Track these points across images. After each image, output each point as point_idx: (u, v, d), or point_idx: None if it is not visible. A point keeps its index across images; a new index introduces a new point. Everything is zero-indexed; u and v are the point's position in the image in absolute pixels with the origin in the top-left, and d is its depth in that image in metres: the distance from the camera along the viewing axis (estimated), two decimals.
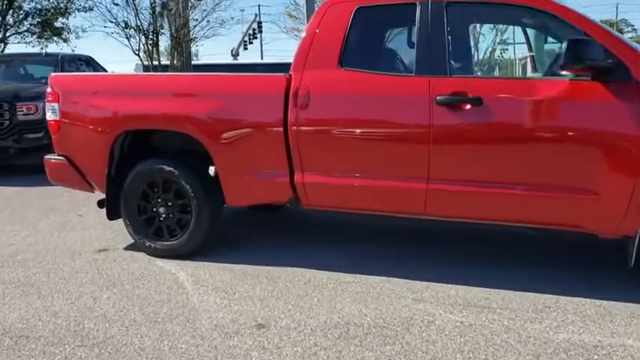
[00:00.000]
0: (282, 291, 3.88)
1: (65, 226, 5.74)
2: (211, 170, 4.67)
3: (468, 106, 3.68)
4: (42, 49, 21.43)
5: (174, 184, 4.53)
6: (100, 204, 4.89)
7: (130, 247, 4.89)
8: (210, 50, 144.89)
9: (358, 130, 3.95)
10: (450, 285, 3.90)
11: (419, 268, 4.25)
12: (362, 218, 4.67)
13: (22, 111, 8.29)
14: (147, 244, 4.66)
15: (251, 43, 43.02)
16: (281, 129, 4.10)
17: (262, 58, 43.65)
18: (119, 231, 5.10)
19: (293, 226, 5.49)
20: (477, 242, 4.85)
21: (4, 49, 21.63)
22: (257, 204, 4.41)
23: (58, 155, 4.90)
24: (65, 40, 23.83)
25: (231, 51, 39.54)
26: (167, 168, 4.50)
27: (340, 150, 3.98)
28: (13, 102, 8.30)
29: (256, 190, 4.31)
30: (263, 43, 48.02)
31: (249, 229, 5.33)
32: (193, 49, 21.70)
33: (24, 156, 8.34)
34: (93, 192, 5.01)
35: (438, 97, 3.73)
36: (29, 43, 22.91)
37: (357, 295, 3.77)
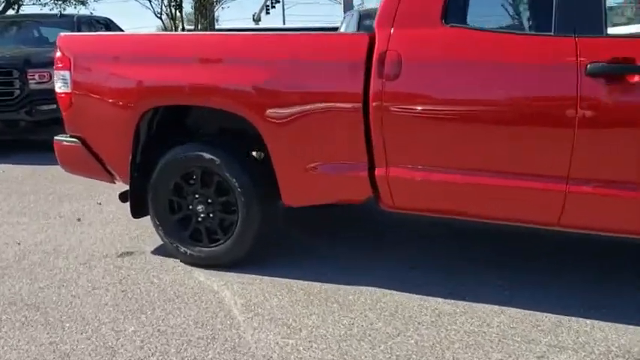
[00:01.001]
0: (363, 327, 2.91)
1: (82, 218, 4.82)
2: (256, 154, 3.72)
3: (637, 79, 2.61)
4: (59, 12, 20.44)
5: (215, 176, 3.55)
6: (123, 197, 3.94)
7: (160, 251, 3.96)
8: (230, 15, 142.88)
9: (467, 111, 2.90)
10: (591, 321, 2.90)
11: (540, 291, 3.24)
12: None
13: (34, 79, 7.34)
14: (181, 250, 3.71)
15: (273, 7, 41.57)
16: (359, 106, 3.08)
17: (284, 23, 42.31)
18: (146, 227, 4.16)
19: (370, 228, 4.43)
20: (619, 259, 3.82)
21: (17, 12, 20.68)
22: (322, 204, 3.43)
23: (71, 137, 3.94)
24: (83, 3, 22.84)
25: (253, 16, 38.32)
26: (207, 155, 3.51)
27: (441, 136, 2.96)
28: (24, 69, 7.35)
29: (323, 186, 3.31)
30: (285, 7, 46.57)
31: (312, 232, 4.30)
32: (217, 12, 20.51)
33: (37, 130, 7.41)
34: (114, 183, 4.06)
35: (589, 66, 2.67)
36: (45, 4, 21.93)
37: (468, 338, 2.78)
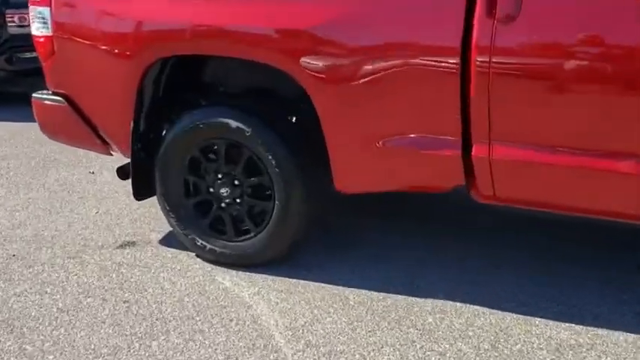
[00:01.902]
0: None
1: (71, 191, 3.96)
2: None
3: None
4: None
5: (244, 151, 2.69)
6: (122, 173, 3.07)
7: (170, 240, 3.13)
8: None
9: (622, 70, 2.03)
10: None
11: None
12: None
13: (13, 22, 6.32)
14: (199, 243, 2.88)
15: None
16: (455, 61, 2.19)
17: None
18: (151, 204, 3.29)
19: (447, 215, 3.49)
20: None
21: None
22: (386, 191, 2.58)
23: (54, 94, 3.05)
24: None
25: None
26: (234, 124, 2.64)
27: (577, 106, 2.09)
28: (2, 10, 6.32)
29: (393, 167, 2.47)
30: None
31: (370, 222, 3.38)
32: None
33: (18, 81, 6.43)
34: (110, 154, 3.19)
35: None
36: None
37: None
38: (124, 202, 3.71)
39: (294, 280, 2.72)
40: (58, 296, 2.63)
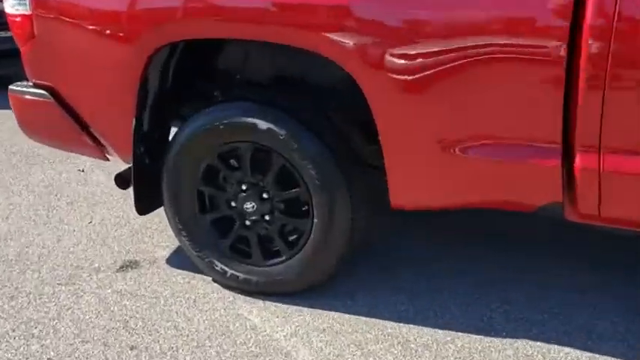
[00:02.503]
0: None
1: (59, 195, 3.43)
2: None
3: None
4: None
5: (276, 158, 2.17)
6: (121, 181, 2.54)
7: (180, 259, 2.63)
8: None
9: None
10: None
11: None
12: None
13: None
14: (218, 268, 2.38)
15: None
16: (560, 47, 1.68)
17: None
18: (155, 213, 2.76)
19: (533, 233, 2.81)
20: None
21: None
22: (458, 208, 2.09)
23: (35, 86, 2.50)
24: None
25: None
26: (263, 124, 2.11)
27: None
28: None
29: (470, 180, 1.96)
30: None
31: (421, 235, 2.86)
32: None
33: None
34: (106, 159, 2.66)
35: None
36: None
37: None
38: (121, 208, 3.19)
39: (337, 315, 2.24)
40: (49, 341, 2.13)
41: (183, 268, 2.57)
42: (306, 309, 2.27)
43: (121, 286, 2.46)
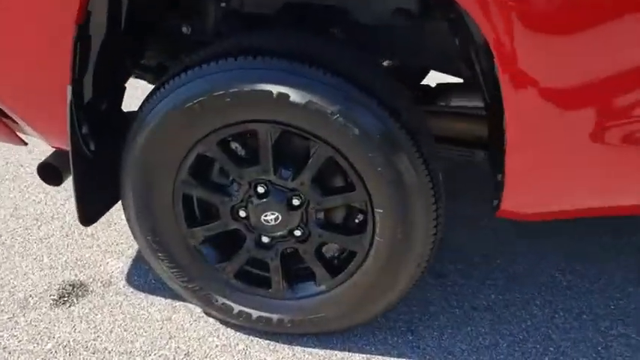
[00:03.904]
0: None
1: None
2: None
3: None
4: None
5: (317, 147, 1.35)
6: (48, 174, 1.63)
7: (142, 274, 1.80)
8: None
9: None
10: None
11: None
12: None
13: None
14: (218, 303, 1.59)
15: None
16: None
17: None
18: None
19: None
20: None
21: None
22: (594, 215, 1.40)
23: None
24: None
25: None
26: (300, 96, 1.27)
27: None
28: None
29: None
30: None
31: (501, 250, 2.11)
32: None
33: None
34: (22, 143, 1.72)
35: None
36: None
37: None
38: (63, 203, 2.26)
39: None
40: None
41: (150, 290, 1.76)
42: (340, 353, 1.56)
43: (62, 331, 1.63)
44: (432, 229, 1.40)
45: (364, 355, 1.58)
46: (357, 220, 1.47)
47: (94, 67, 1.42)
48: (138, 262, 1.90)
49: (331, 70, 1.29)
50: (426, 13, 1.48)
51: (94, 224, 1.64)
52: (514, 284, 1.85)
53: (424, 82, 2.16)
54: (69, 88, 1.37)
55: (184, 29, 1.65)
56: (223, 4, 1.60)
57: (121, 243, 1.99)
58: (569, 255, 1.98)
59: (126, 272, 1.86)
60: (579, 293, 1.82)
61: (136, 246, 1.95)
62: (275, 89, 1.29)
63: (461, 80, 1.84)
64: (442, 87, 1.85)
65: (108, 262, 1.91)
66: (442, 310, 1.74)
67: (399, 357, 1.58)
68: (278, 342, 1.62)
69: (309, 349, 1.60)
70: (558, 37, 1.13)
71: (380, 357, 1.58)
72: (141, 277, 1.84)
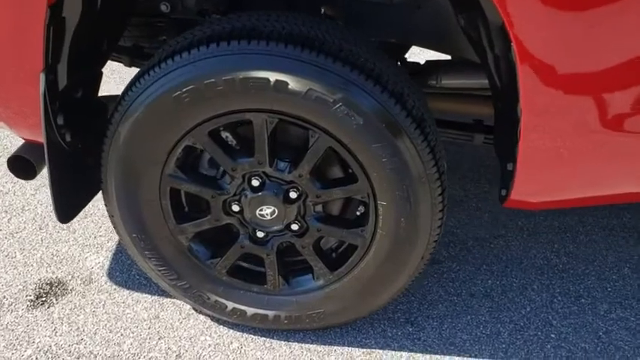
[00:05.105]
0: None
1: None
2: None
3: None
4: None
5: (317, 137, 1.27)
6: (20, 167, 1.50)
7: (130, 277, 1.70)
8: None
9: None
10: None
11: None
12: None
13: None
14: (210, 300, 1.51)
15: None
16: None
17: None
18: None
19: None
20: None
21: None
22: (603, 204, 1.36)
23: None
24: None
25: None
26: (298, 84, 1.18)
27: None
28: None
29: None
30: None
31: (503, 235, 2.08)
32: None
33: None
34: None
35: None
36: None
37: None
38: (28, 189, 2.12)
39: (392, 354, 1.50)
40: None
41: (139, 288, 1.67)
42: (341, 349, 1.51)
43: (39, 338, 1.52)
44: (438, 221, 1.34)
45: (364, 350, 1.53)
46: (358, 213, 1.40)
47: (68, 54, 1.29)
48: (119, 255, 1.80)
49: (332, 55, 1.19)
50: None
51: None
52: (510, 268, 1.82)
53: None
54: (42, 76, 1.24)
55: (163, 7, 1.52)
56: None
57: (100, 235, 1.88)
58: (560, 235, 1.95)
59: (107, 267, 1.76)
60: (575, 276, 1.80)
61: (116, 238, 1.85)
62: (272, 76, 1.19)
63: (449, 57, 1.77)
64: (432, 64, 1.77)
65: (87, 257, 1.80)
66: (440, 299, 1.70)
67: (399, 350, 1.53)
68: (274, 338, 1.55)
69: (307, 345, 1.53)
70: (579, 21, 1.06)
71: (380, 351, 1.53)
72: (124, 272, 1.74)
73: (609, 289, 1.75)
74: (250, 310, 1.51)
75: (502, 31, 1.12)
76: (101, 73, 1.47)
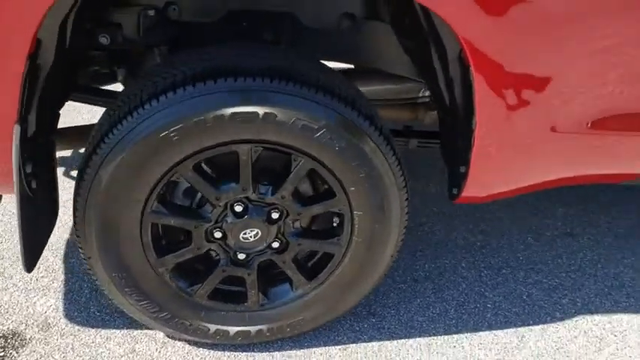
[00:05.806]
0: None
1: None
2: None
3: None
4: None
5: (299, 161, 1.36)
6: None
7: (90, 315, 1.67)
8: None
9: None
10: None
11: None
12: None
13: None
14: (192, 326, 1.54)
15: None
16: None
17: None
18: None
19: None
20: None
21: None
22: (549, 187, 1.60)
23: None
24: None
25: None
26: (285, 114, 1.27)
27: None
28: None
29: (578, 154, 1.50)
30: None
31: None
32: None
33: None
34: None
35: None
36: None
37: None
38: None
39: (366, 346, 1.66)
40: None
41: (104, 324, 1.64)
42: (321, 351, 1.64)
43: None
44: (405, 222, 1.51)
45: (339, 347, 1.66)
46: (334, 224, 1.52)
47: (38, 99, 1.24)
48: (70, 295, 1.74)
49: (313, 85, 1.29)
50: (371, 17, 1.53)
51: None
52: (439, 251, 2.05)
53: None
54: (17, 128, 1.19)
55: (103, 40, 1.50)
56: (152, 13, 1.48)
57: (42, 277, 1.79)
58: (471, 216, 2.23)
59: (62, 309, 1.69)
60: (492, 250, 2.08)
61: (60, 277, 1.78)
62: (261, 110, 1.26)
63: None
64: (357, 72, 1.92)
65: (35, 302, 1.71)
66: (390, 288, 1.88)
67: (370, 341, 1.69)
68: (255, 351, 1.62)
69: (288, 352, 1.63)
70: (530, 37, 1.26)
71: (354, 345, 1.67)
72: (82, 311, 1.69)
73: (521, 258, 2.06)
74: (233, 329, 1.57)
75: (459, 57, 1.30)
76: (59, 115, 1.42)
